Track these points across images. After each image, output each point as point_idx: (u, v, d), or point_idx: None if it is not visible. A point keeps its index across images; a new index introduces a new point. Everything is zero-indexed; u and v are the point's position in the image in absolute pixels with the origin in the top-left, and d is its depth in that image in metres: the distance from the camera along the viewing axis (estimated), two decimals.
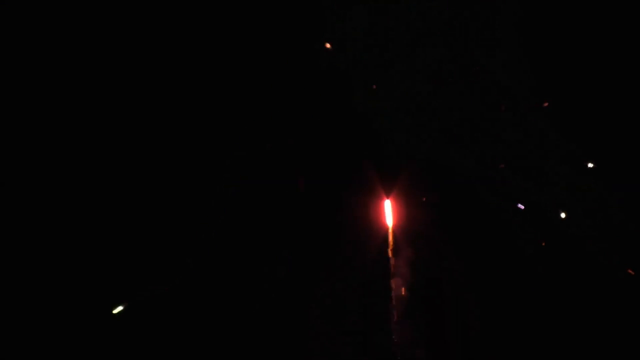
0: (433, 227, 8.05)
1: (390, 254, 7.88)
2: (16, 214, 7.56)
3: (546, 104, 7.04)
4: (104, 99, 7.91)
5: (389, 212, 8.00)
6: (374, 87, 8.20)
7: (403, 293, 7.81)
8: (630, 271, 7.07)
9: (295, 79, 8.23)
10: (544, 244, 7.44)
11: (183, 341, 7.53)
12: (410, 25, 8.20)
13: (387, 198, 8.01)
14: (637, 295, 7.55)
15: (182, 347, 7.51)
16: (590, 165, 7.80)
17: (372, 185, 8.02)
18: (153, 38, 7.98)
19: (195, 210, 7.94)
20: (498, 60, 8.17)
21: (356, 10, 8.20)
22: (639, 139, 7.88)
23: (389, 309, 7.78)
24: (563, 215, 7.66)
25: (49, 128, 7.76)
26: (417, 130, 8.05)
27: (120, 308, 7.31)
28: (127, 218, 7.77)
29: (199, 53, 8.09)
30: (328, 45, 7.21)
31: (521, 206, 7.56)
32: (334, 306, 7.79)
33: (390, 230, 7.97)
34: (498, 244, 7.97)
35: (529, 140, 8.12)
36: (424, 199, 8.10)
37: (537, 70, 8.09)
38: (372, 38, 8.23)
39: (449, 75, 8.23)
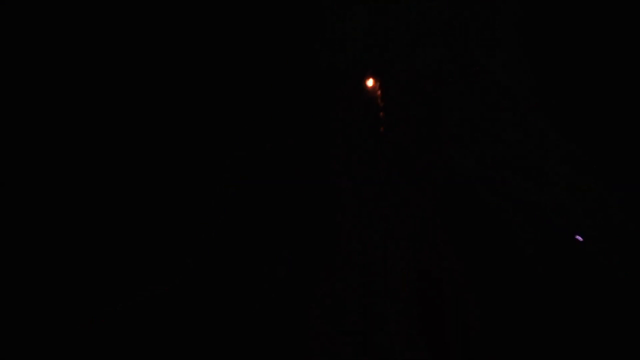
0: (433, 228, 8.05)
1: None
2: (16, 214, 7.57)
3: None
4: (103, 98, 7.92)
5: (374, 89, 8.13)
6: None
7: (402, 292, 7.81)
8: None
9: (295, 79, 8.24)
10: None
11: (183, 341, 7.53)
12: (410, 25, 8.21)
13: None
14: (637, 295, 7.55)
15: (182, 347, 7.51)
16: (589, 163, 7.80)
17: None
18: (152, 38, 7.99)
19: (195, 210, 7.95)
20: (498, 60, 8.18)
21: (356, 10, 8.21)
22: (639, 139, 7.89)
23: (389, 308, 7.78)
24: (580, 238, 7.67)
25: (48, 128, 7.77)
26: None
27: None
28: (126, 218, 7.78)
29: (198, 53, 8.11)
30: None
31: (580, 238, 7.56)
32: (334, 306, 7.79)
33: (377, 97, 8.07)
34: (498, 244, 7.97)
35: (529, 140, 8.13)
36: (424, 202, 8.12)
37: (537, 70, 8.10)
38: (372, 38, 8.24)
39: (449, 75, 8.23)
